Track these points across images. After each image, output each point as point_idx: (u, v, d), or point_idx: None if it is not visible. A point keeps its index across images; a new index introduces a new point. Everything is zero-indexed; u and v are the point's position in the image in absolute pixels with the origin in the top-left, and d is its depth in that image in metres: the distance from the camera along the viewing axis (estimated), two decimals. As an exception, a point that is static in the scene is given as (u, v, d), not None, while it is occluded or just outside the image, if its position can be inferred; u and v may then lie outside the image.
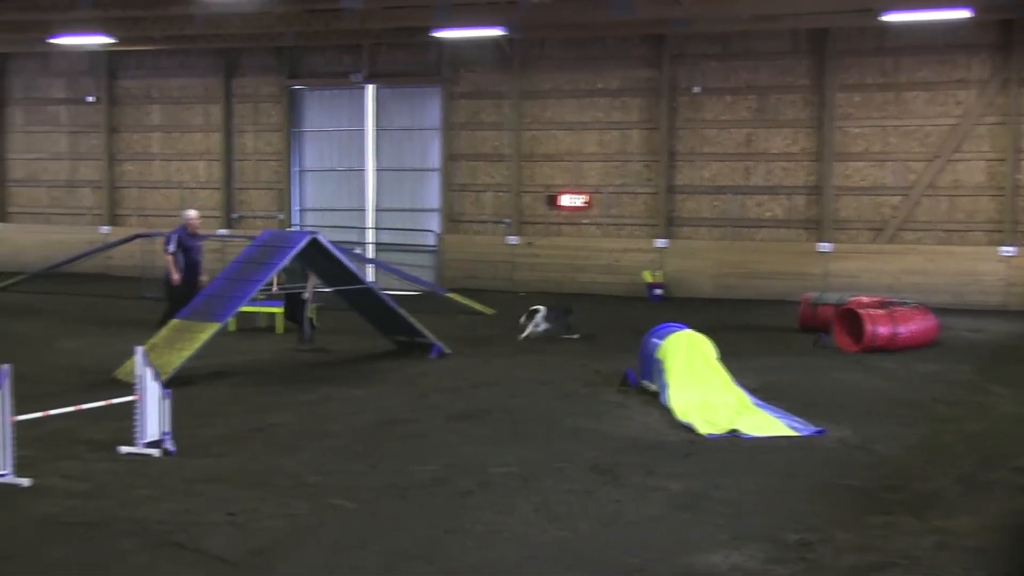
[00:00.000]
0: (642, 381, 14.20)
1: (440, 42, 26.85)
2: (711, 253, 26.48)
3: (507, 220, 27.82)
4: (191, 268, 17.97)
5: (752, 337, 19.84)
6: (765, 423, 12.30)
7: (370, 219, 29.18)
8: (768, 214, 26.26)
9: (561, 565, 7.92)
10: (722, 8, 23.18)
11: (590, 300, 25.27)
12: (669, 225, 26.85)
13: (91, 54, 29.93)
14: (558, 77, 27.37)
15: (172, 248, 17.84)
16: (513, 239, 27.73)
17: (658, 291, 26.09)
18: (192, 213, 18.43)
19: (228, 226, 29.62)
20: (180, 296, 17.06)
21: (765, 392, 14.10)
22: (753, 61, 26.11)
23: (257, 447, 11.38)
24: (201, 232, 17.75)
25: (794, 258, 25.69)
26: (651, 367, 13.84)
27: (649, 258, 26.79)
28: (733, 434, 11.82)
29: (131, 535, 8.44)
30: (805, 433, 11.99)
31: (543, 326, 19.35)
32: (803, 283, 24.48)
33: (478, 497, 9.57)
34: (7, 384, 9.61)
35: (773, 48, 25.92)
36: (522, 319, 19.61)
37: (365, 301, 17.42)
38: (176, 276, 17.69)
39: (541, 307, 19.67)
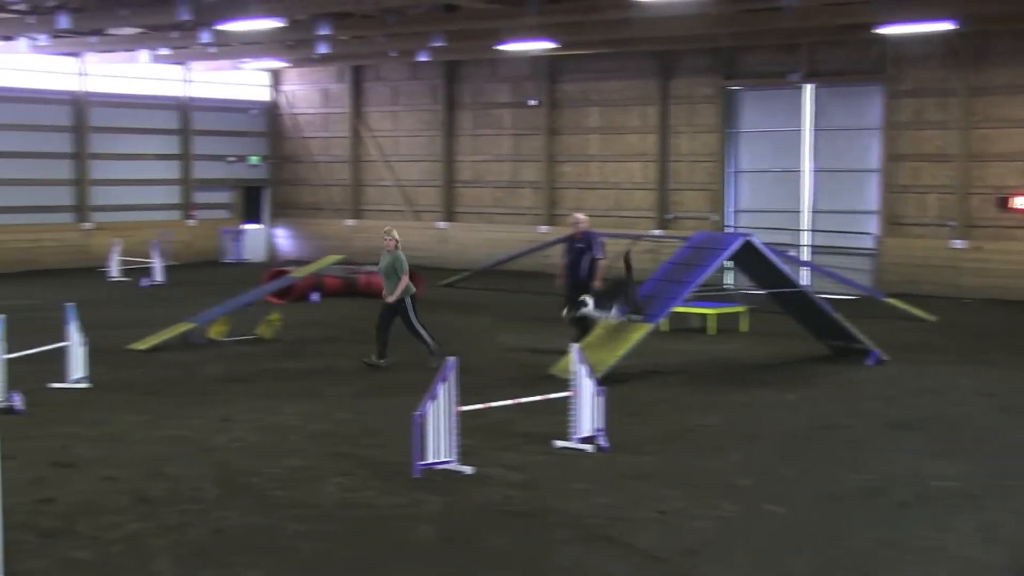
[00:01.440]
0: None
1: (883, 38, 25.97)
2: None
3: (952, 223, 26.51)
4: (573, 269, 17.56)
5: None
6: None
7: (805, 221, 28.69)
8: None
9: (1009, 592, 7.48)
10: None
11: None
12: None
13: (534, 59, 31.25)
14: (1011, 72, 25.76)
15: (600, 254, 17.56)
16: (959, 243, 26.38)
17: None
18: (576, 216, 18.03)
19: (661, 227, 30.06)
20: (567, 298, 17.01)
21: None
22: None
23: (687, 447, 11.49)
24: (587, 234, 17.37)
25: None
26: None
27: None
28: None
29: (565, 527, 8.76)
30: None
31: (599, 315, 15.69)
32: None
33: (916, 511, 9.21)
34: (453, 376, 10.24)
35: None
36: (564, 313, 16.72)
37: (799, 304, 17.15)
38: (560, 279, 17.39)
39: (587, 297, 15.78)
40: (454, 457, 10.26)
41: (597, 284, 16.75)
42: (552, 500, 9.47)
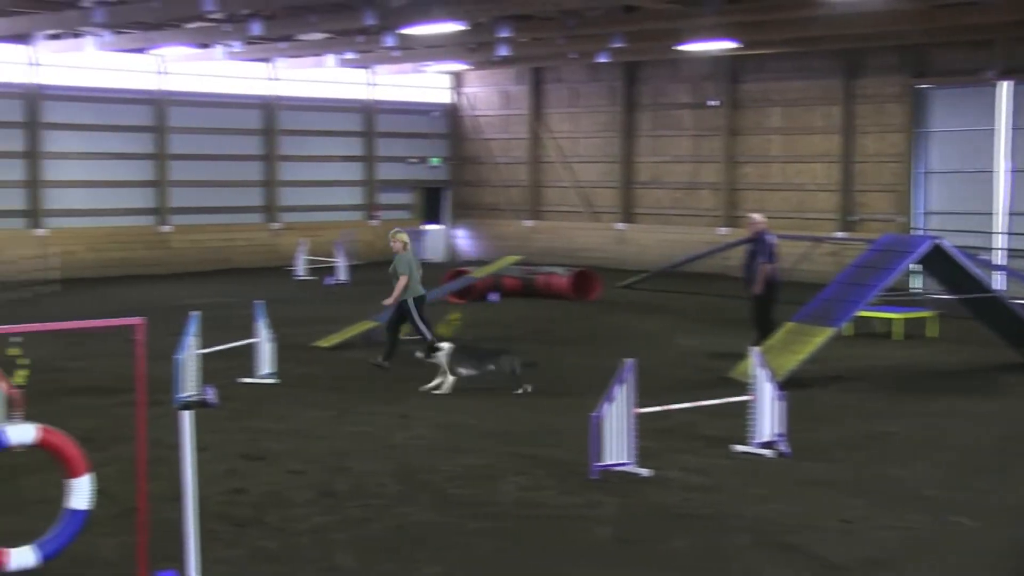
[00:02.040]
0: None
1: (1085, 31, 24.90)
2: None
3: None
4: (748, 271, 17.30)
5: None
6: None
7: (1000, 224, 27.67)
8: None
9: None
10: None
11: None
12: None
13: (714, 59, 30.94)
14: None
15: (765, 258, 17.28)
16: None
17: None
18: (752, 217, 17.70)
19: (845, 229, 29.39)
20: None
21: None
22: None
23: (871, 454, 11.23)
24: (759, 236, 17.05)
25: None
26: None
27: None
28: None
29: (744, 531, 8.67)
30: None
31: (461, 371, 14.45)
32: None
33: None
34: (631, 377, 10.22)
35: None
36: (418, 354, 15.04)
37: (991, 310, 16.57)
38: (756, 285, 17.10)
39: (444, 345, 14.71)
40: (631, 459, 10.24)
41: (757, 288, 16.52)
42: (731, 505, 9.37)
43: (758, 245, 16.70)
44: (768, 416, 11.03)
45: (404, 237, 16.47)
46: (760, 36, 25.91)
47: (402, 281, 15.91)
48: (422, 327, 15.99)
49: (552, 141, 35.41)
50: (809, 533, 8.62)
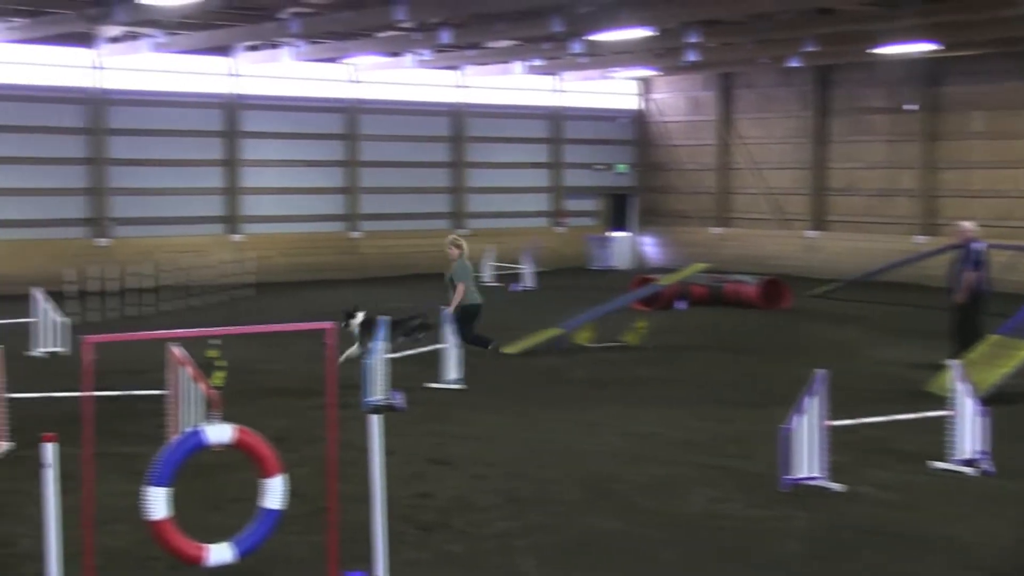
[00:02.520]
0: None
1: None
2: None
3: None
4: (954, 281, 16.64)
5: None
6: None
7: None
8: None
9: None
10: None
11: None
12: None
13: (912, 62, 30.08)
14: None
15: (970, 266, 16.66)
16: None
17: None
18: (961, 224, 17.02)
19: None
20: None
21: None
22: None
23: (1081, 476, 10.72)
24: (966, 244, 16.38)
25: None
26: None
27: None
28: None
29: (941, 552, 8.39)
30: None
31: (358, 348, 15.28)
32: None
33: None
34: (823, 389, 10.00)
35: None
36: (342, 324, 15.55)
37: None
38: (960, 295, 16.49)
39: (360, 313, 15.75)
40: (822, 472, 10.02)
41: (959, 298, 15.93)
42: (928, 524, 9.08)
43: (964, 253, 16.14)
44: (969, 432, 10.64)
45: (462, 242, 16.59)
46: (962, 37, 25.07)
47: (460, 289, 16.13)
48: (466, 336, 15.99)
49: (741, 147, 34.98)
50: (1010, 558, 8.28)
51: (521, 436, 12.25)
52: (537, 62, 30.40)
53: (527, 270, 29.37)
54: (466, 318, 16.18)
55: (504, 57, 29.60)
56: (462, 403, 13.98)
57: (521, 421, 13.03)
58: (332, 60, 29.63)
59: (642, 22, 21.93)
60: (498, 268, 30.43)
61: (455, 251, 16.55)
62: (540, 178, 35.76)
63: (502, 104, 34.54)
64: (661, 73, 34.09)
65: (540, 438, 12.14)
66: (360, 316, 15.71)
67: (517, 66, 30.87)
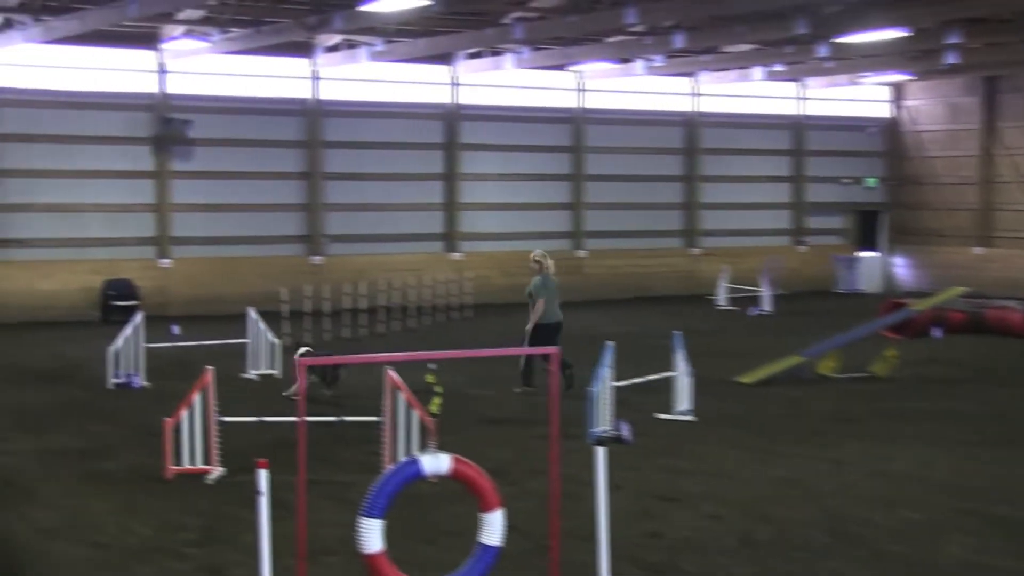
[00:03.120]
0: None
1: None
2: None
3: None
4: None
5: None
6: None
7: None
8: None
9: None
10: None
11: None
12: None
13: None
14: None
15: None
16: None
17: None
18: None
19: None
20: None
21: None
22: None
23: None
24: None
25: None
26: None
27: None
28: None
29: None
30: None
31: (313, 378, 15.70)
32: None
33: None
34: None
35: None
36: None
37: None
38: None
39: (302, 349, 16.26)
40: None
41: None
42: None
43: None
44: None
45: (541, 259, 16.83)
46: None
47: (539, 305, 16.35)
48: (529, 356, 16.25)
49: (1007, 158, 33.73)
50: None
51: (759, 473, 12.06)
52: (778, 67, 30.05)
53: (765, 293, 28.97)
54: (541, 336, 16.28)
55: (742, 62, 29.37)
56: (694, 436, 13.86)
57: (759, 456, 12.83)
58: (557, 67, 29.96)
59: (895, 22, 21.45)
60: (733, 290, 30.11)
61: (536, 266, 16.86)
62: (780, 193, 35.26)
63: (740, 113, 34.22)
64: (916, 77, 33.24)
65: (780, 476, 11.92)
66: (302, 350, 16.06)
67: (757, 72, 30.59)
